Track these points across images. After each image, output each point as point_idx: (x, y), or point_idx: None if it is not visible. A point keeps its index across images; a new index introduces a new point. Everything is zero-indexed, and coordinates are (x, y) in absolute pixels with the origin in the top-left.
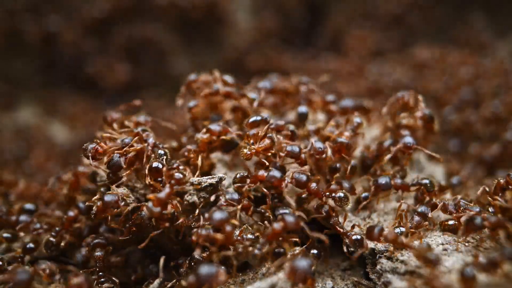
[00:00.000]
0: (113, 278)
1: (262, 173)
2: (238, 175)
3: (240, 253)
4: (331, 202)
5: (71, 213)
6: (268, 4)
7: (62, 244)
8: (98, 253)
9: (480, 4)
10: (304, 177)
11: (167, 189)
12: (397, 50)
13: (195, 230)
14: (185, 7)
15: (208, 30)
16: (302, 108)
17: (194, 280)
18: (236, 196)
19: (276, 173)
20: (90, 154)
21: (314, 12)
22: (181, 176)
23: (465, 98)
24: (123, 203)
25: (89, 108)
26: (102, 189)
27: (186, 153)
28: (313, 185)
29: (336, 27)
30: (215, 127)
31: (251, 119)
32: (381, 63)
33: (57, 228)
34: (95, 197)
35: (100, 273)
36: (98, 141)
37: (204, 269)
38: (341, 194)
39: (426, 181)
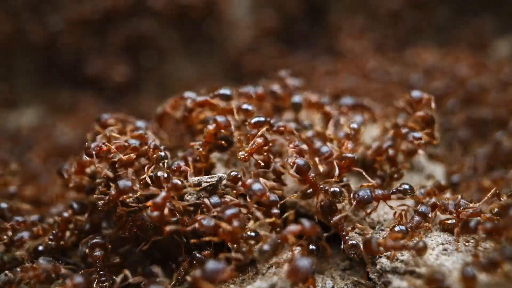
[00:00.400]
0: (114, 277)
1: (249, 182)
2: (232, 173)
3: (245, 253)
4: (321, 196)
5: (65, 214)
6: (267, 3)
7: (62, 242)
8: (97, 253)
9: (481, 3)
10: (306, 165)
11: (163, 193)
12: (398, 49)
13: (199, 218)
14: (184, 5)
15: (207, 30)
16: (296, 98)
17: (200, 275)
18: (217, 200)
19: (257, 187)
20: (94, 152)
21: (314, 12)
22: (179, 182)
23: (472, 89)
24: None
25: (90, 106)
26: (101, 186)
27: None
28: (312, 175)
29: (336, 27)
30: (221, 119)
31: (254, 120)
32: (380, 62)
33: (53, 231)
34: (103, 188)
35: (101, 272)
36: (102, 140)
37: (211, 265)
38: (336, 189)
39: (406, 187)
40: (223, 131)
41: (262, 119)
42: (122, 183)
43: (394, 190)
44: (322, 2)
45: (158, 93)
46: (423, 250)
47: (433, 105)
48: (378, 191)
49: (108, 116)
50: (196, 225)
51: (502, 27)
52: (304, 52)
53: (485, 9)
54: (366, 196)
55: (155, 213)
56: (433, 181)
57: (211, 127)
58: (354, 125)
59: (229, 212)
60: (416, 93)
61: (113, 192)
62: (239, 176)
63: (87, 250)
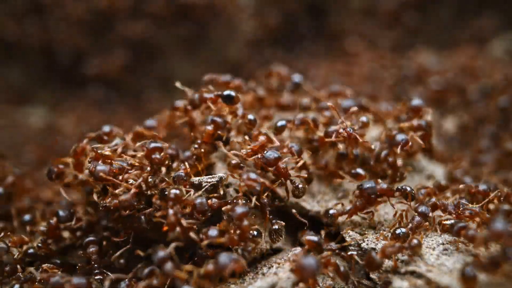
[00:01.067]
0: (108, 273)
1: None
2: (232, 162)
3: (250, 252)
4: (288, 183)
5: (52, 221)
6: (269, 3)
7: (57, 248)
8: (91, 249)
9: (481, 2)
10: (274, 155)
11: (170, 211)
12: (398, 50)
13: (204, 230)
14: (184, 5)
15: (209, 30)
16: (296, 78)
17: (212, 268)
18: (203, 200)
19: (252, 175)
20: (106, 177)
21: (314, 12)
22: (177, 192)
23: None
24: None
25: (90, 107)
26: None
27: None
28: (283, 165)
29: (336, 27)
30: (219, 119)
31: (279, 124)
32: (381, 65)
33: (41, 238)
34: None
35: (95, 265)
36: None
37: (223, 257)
38: (300, 185)
39: (407, 188)
40: (220, 132)
41: (284, 123)
42: (125, 196)
43: (398, 188)
44: (323, 2)
45: (159, 92)
46: (417, 248)
47: (429, 117)
48: (383, 185)
49: (110, 127)
50: (202, 237)
51: (502, 26)
52: (303, 52)
53: (485, 8)
54: (371, 187)
55: (176, 231)
56: (433, 181)
57: (209, 127)
58: (364, 119)
59: (239, 210)
60: (416, 102)
61: (115, 201)
62: (241, 164)
63: (80, 252)
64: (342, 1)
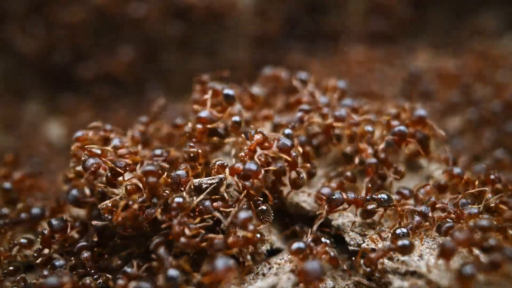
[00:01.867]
0: (107, 275)
1: (238, 165)
2: (217, 162)
3: (260, 254)
4: (293, 174)
5: (45, 232)
6: (269, 4)
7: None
8: (84, 255)
9: (482, 1)
10: (288, 143)
11: (175, 221)
12: (398, 49)
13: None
14: (184, 7)
15: (208, 31)
16: (302, 74)
17: (209, 269)
18: (208, 204)
19: (252, 166)
20: (92, 169)
21: (314, 12)
22: (181, 200)
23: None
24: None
25: (89, 108)
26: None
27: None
28: (294, 154)
29: (336, 27)
30: (204, 113)
31: (286, 131)
32: (380, 63)
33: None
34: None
35: (92, 271)
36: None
37: (218, 262)
38: (303, 175)
39: (383, 196)
40: (210, 126)
41: (289, 131)
42: (124, 213)
43: (368, 198)
44: (322, 2)
45: (159, 93)
46: (407, 249)
47: (442, 133)
48: (350, 194)
49: (109, 126)
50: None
51: (503, 26)
52: (303, 52)
53: (485, 8)
54: (338, 198)
55: (184, 240)
56: (433, 181)
57: (199, 126)
58: (369, 128)
59: (242, 216)
60: (421, 112)
61: (119, 211)
62: (226, 164)
63: (72, 259)
64: (342, 1)
